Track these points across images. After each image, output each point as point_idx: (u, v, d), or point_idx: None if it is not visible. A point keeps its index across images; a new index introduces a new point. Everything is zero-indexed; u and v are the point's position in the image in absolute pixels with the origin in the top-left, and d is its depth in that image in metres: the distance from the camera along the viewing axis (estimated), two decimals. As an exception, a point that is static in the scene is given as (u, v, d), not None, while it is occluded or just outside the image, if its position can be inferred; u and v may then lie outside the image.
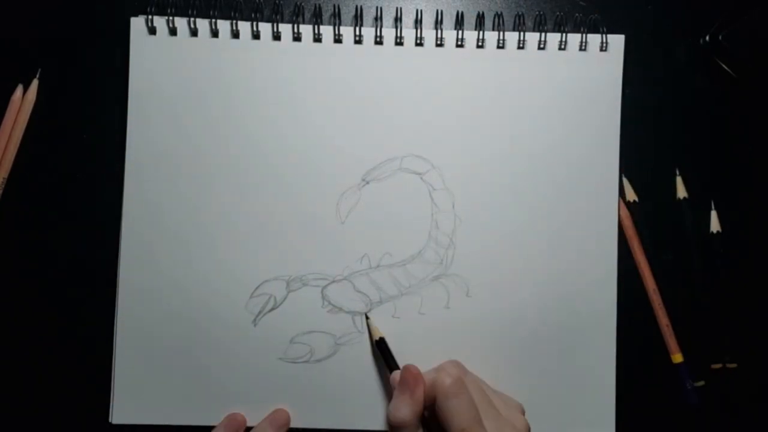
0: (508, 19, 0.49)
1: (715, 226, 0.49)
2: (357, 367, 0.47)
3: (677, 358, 0.49)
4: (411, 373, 0.42)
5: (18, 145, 0.48)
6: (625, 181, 0.49)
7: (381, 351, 0.46)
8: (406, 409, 0.41)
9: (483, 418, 0.40)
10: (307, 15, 0.49)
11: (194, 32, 0.48)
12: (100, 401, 0.47)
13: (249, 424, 0.47)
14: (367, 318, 0.47)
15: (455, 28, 0.48)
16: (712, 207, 0.49)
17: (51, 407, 0.48)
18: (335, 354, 0.47)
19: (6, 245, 0.48)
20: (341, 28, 0.48)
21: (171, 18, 0.47)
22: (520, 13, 0.49)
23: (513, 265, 0.48)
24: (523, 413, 0.44)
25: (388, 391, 0.47)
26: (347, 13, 0.49)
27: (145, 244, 0.47)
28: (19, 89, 0.48)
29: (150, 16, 0.47)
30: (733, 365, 0.49)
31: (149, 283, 0.47)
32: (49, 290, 0.48)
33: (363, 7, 0.49)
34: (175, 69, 0.48)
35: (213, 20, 0.47)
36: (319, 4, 0.48)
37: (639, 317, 0.49)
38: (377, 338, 0.46)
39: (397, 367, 0.45)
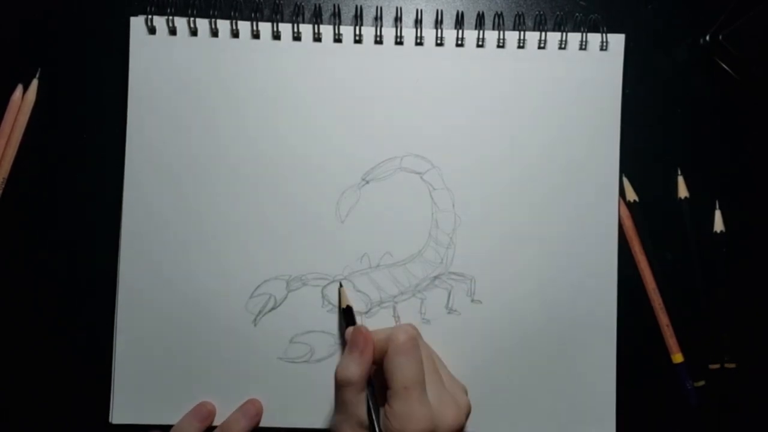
0: (508, 19, 0.49)
1: (719, 225, 0.49)
2: (357, 366, 0.47)
3: (677, 358, 0.49)
4: (361, 333, 0.42)
5: (18, 145, 0.48)
6: (625, 181, 0.49)
7: (345, 318, 0.46)
8: (354, 368, 0.41)
9: (427, 382, 0.41)
10: (307, 14, 0.49)
11: (194, 32, 0.48)
12: (100, 401, 0.47)
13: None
14: (341, 286, 0.47)
15: (455, 28, 0.48)
16: (717, 207, 0.49)
17: (51, 407, 0.48)
18: (335, 354, 0.47)
19: (6, 245, 0.48)
20: (341, 27, 0.48)
21: (171, 18, 0.47)
22: (520, 12, 0.49)
23: (513, 265, 0.48)
24: (466, 394, 0.44)
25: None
26: (347, 13, 0.49)
27: (144, 245, 0.47)
28: (19, 89, 0.48)
29: (149, 16, 0.47)
30: (733, 365, 0.49)
31: (149, 283, 0.47)
32: (49, 290, 0.48)
33: (363, 6, 0.49)
34: (175, 69, 0.48)
35: (213, 20, 0.47)
36: (319, 4, 0.48)
37: (639, 317, 0.49)
38: (344, 306, 0.46)
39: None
